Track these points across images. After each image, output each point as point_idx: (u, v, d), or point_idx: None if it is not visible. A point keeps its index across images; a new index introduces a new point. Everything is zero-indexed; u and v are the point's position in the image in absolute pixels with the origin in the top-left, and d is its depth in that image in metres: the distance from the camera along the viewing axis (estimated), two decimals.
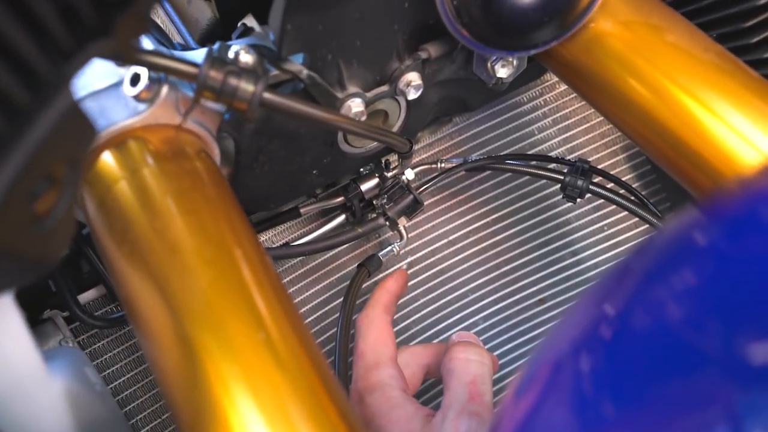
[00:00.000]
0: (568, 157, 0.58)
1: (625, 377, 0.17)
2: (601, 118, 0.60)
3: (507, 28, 0.37)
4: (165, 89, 0.34)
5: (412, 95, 0.42)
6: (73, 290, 0.44)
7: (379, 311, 0.45)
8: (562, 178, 0.50)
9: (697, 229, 0.18)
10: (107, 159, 0.33)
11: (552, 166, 0.51)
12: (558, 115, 0.59)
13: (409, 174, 0.51)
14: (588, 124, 0.59)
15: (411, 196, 0.48)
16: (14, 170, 0.20)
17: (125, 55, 0.28)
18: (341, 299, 0.48)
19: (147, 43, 0.36)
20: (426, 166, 0.54)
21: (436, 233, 0.58)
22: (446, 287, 0.60)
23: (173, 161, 0.34)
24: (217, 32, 0.44)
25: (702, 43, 0.37)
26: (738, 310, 0.15)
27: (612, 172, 0.56)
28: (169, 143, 0.34)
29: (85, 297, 0.46)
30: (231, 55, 0.33)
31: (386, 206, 0.48)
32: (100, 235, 0.33)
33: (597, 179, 0.50)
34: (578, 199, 0.50)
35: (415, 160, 0.57)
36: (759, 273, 0.15)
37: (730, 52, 0.38)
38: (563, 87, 0.59)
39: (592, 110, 0.59)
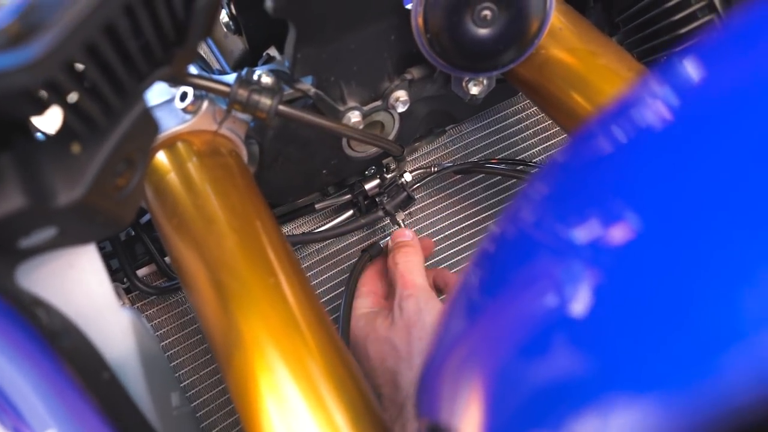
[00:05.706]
0: None
1: (497, 277, 0.26)
2: None
3: (470, 54, 0.46)
4: (206, 103, 0.45)
5: (401, 108, 0.52)
6: (132, 266, 0.55)
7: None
8: None
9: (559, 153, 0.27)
10: (161, 157, 0.44)
11: (521, 168, 0.60)
12: (538, 127, 0.68)
13: (407, 176, 0.61)
14: (564, 135, 0.68)
15: (405, 193, 0.58)
16: (108, 151, 0.30)
17: (179, 78, 0.39)
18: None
19: (193, 69, 0.47)
20: (421, 170, 0.64)
21: (433, 229, 0.68)
22: None
23: (211, 157, 0.44)
24: (247, 60, 0.55)
25: (627, 65, 0.46)
26: (558, 208, 0.24)
27: None
28: (207, 144, 0.45)
29: (139, 273, 0.57)
30: (255, 77, 0.44)
31: (385, 201, 0.58)
32: (155, 213, 0.44)
33: None
34: None
35: (414, 166, 0.67)
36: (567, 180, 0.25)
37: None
38: None
39: None
